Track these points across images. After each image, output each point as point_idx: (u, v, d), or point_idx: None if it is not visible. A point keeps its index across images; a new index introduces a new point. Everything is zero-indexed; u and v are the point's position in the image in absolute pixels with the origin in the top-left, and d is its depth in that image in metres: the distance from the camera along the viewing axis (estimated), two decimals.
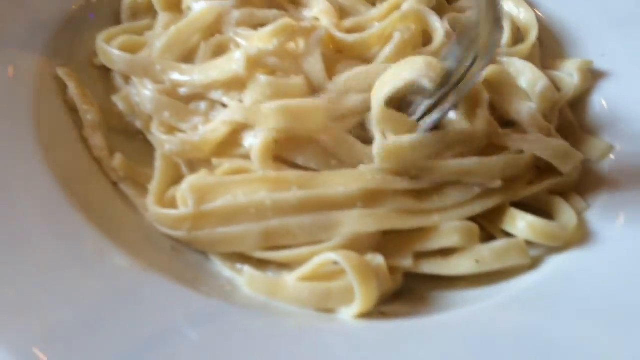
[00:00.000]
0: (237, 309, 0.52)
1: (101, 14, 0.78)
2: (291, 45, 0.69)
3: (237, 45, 0.70)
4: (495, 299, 0.57)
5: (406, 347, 0.51)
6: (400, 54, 0.68)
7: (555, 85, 0.76)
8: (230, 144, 0.64)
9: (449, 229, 0.60)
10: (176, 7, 0.76)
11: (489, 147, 0.63)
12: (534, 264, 0.60)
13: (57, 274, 0.50)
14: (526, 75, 0.72)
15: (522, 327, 0.53)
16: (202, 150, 0.64)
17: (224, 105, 0.67)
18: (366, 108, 0.63)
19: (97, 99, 0.69)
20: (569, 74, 0.78)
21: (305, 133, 0.62)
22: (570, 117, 0.75)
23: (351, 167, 0.62)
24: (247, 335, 0.50)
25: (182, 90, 0.68)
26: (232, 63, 0.65)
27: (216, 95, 0.67)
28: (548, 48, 0.83)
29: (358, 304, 0.53)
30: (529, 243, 0.60)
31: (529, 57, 0.76)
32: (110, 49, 0.69)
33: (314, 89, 0.66)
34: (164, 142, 0.64)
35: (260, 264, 0.58)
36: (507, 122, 0.68)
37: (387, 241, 0.59)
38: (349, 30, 0.73)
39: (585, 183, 0.68)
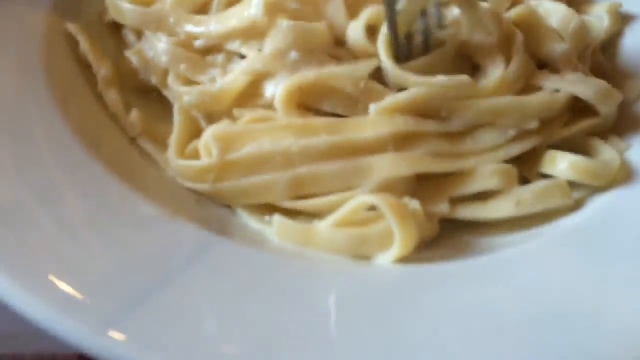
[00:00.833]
0: (269, 256, 0.49)
1: None
2: None
3: None
4: (537, 242, 0.54)
5: (448, 289, 0.48)
6: None
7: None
8: (251, 94, 0.61)
9: (486, 171, 0.57)
10: None
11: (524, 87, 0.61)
12: (576, 205, 0.57)
13: (88, 227, 0.48)
14: (557, 15, 0.68)
15: (567, 267, 0.51)
16: (222, 100, 0.61)
17: (242, 57, 0.64)
18: None
19: (110, 57, 0.67)
20: (599, 17, 0.74)
21: (330, 81, 0.59)
22: (602, 59, 0.71)
23: None
24: (279, 282, 0.47)
25: (198, 43, 0.64)
26: (250, 9, 0.62)
27: (234, 45, 0.64)
28: None
29: (397, 248, 0.51)
30: (571, 185, 0.57)
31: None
32: (121, 2, 0.66)
33: (337, 37, 0.64)
34: (182, 94, 0.61)
35: (289, 214, 0.55)
36: (539, 64, 0.65)
37: (421, 187, 0.56)
38: None
39: (623, 124, 0.64)
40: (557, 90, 0.60)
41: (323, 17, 0.63)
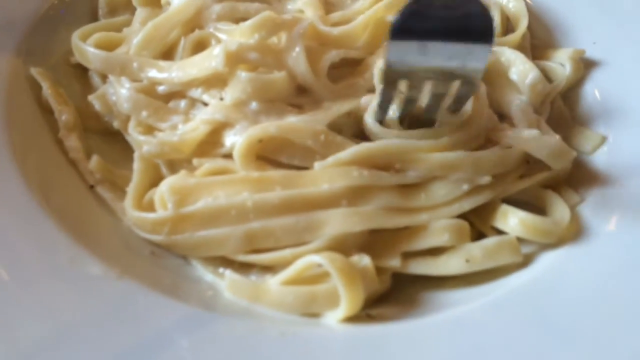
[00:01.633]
0: (218, 316, 0.50)
1: (78, 12, 0.76)
2: (274, 40, 0.67)
3: (218, 40, 0.67)
4: (486, 299, 0.55)
5: (394, 350, 0.49)
6: None
7: (547, 76, 0.74)
8: (211, 143, 0.62)
9: (439, 227, 0.58)
10: (155, 1, 0.74)
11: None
12: (525, 261, 0.58)
13: (28, 285, 0.48)
14: (517, 67, 0.70)
15: (514, 327, 0.52)
16: (182, 150, 0.61)
17: (205, 104, 0.65)
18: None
19: (74, 100, 0.68)
20: (561, 64, 0.76)
21: (290, 135, 0.60)
22: (562, 108, 0.73)
23: None
24: (228, 343, 0.48)
25: (161, 88, 0.65)
26: (212, 59, 0.62)
27: (196, 93, 0.65)
28: (539, 37, 0.81)
29: (344, 308, 0.51)
30: (520, 239, 0.59)
31: (519, 47, 0.74)
32: (86, 47, 0.67)
33: (298, 85, 0.64)
34: (141, 143, 0.62)
35: (243, 267, 0.56)
36: (499, 114, 0.66)
37: (374, 241, 0.57)
38: (335, 24, 0.70)
39: (578, 176, 0.66)
40: (511, 147, 0.61)
41: (284, 66, 0.64)
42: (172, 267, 0.56)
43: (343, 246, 0.55)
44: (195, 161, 0.61)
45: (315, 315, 0.53)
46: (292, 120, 0.61)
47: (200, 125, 0.62)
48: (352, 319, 0.52)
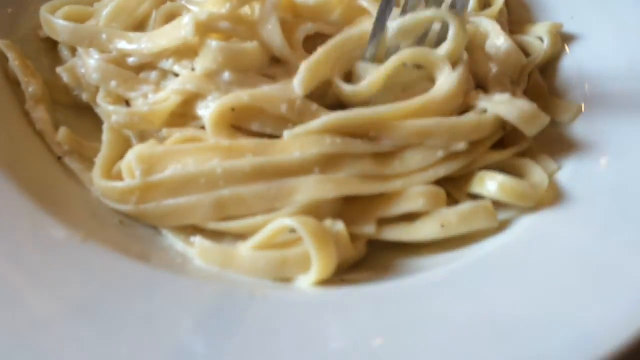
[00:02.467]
0: (185, 279, 0.48)
1: None
2: (247, 11, 0.66)
3: (190, 12, 0.66)
4: (459, 262, 0.54)
5: (364, 312, 0.48)
6: None
7: (525, 50, 0.74)
8: (182, 114, 0.61)
9: (413, 193, 0.57)
10: None
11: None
12: (502, 226, 0.57)
13: None
14: (491, 38, 0.70)
15: (486, 289, 0.50)
16: (152, 121, 0.60)
17: (176, 75, 0.63)
18: None
19: (43, 74, 0.66)
20: (539, 38, 0.75)
21: (263, 103, 0.59)
22: (539, 80, 0.72)
23: None
24: (195, 304, 0.46)
25: (131, 60, 0.64)
26: (181, 28, 0.61)
27: (167, 64, 0.63)
28: (517, 13, 0.81)
29: (315, 271, 0.50)
30: (499, 205, 0.58)
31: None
32: (54, 19, 0.66)
33: (271, 56, 0.63)
34: (110, 113, 0.61)
35: (215, 235, 0.55)
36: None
37: (348, 209, 0.56)
38: None
39: (556, 145, 0.65)
40: (485, 111, 0.61)
41: (258, 37, 0.63)
42: (142, 236, 0.55)
43: (316, 213, 0.54)
44: (165, 131, 0.60)
45: (287, 280, 0.52)
46: (266, 89, 0.60)
47: (171, 95, 0.61)
48: (325, 283, 0.51)
